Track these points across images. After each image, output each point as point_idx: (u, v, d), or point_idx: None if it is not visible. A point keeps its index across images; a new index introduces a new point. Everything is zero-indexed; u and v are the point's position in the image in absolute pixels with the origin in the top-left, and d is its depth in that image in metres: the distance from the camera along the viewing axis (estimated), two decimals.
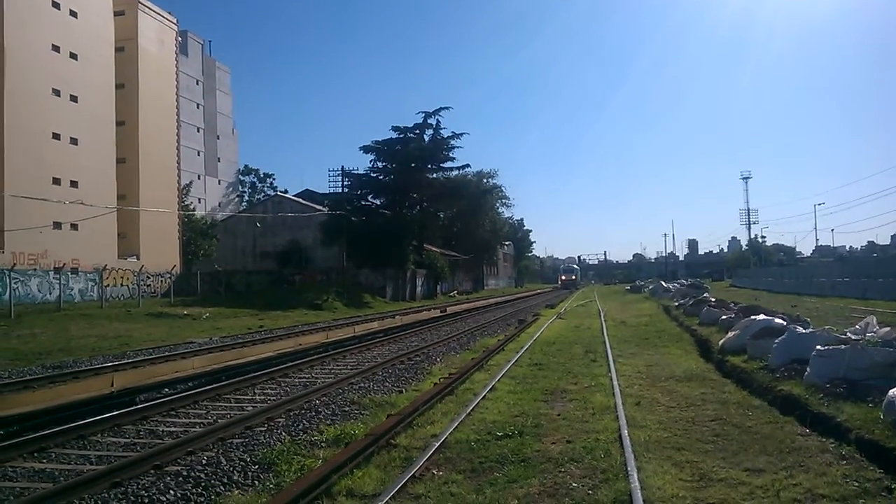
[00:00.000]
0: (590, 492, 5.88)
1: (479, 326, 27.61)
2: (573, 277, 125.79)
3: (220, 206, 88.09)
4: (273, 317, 35.15)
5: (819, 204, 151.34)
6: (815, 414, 8.32)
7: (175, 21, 61.84)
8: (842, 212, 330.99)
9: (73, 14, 47.16)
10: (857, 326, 11.86)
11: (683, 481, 6.09)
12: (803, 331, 12.02)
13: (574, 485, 6.08)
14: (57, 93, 45.41)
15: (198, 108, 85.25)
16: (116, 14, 52.19)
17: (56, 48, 45.51)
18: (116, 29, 51.88)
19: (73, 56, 46.86)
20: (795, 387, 9.74)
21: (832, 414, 8.04)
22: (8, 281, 33.59)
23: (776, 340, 11.91)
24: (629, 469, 6.31)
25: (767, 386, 10.50)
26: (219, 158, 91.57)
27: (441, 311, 34.38)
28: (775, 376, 10.76)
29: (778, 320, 14.27)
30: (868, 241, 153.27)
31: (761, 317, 15.03)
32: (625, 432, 7.74)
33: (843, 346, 9.67)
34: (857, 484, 5.87)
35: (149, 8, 57.46)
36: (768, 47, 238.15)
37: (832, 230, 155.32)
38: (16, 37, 42.14)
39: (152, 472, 6.94)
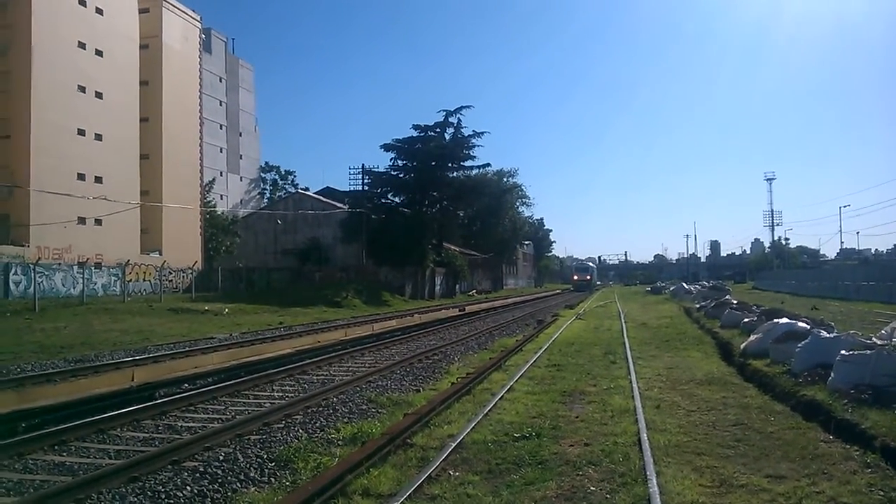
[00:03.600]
0: (608, 496, 5.81)
1: (498, 326, 27.52)
2: (588, 277, 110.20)
3: (241, 202, 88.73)
4: (293, 313, 35.32)
5: (844, 206, 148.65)
6: (838, 420, 8.16)
7: (199, 18, 62.40)
8: (868, 214, 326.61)
9: (99, 11, 47.74)
10: (883, 331, 11.65)
11: (703, 487, 6.00)
12: (827, 335, 11.81)
13: (592, 488, 6.01)
14: (82, 89, 46.03)
15: (220, 105, 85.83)
16: (141, 11, 52.76)
17: (82, 45, 46.11)
18: (141, 26, 52.47)
19: (99, 53, 47.45)
20: (819, 392, 9.57)
21: (857, 420, 7.89)
22: (33, 275, 34.06)
23: (799, 345, 11.71)
24: (648, 473, 6.22)
25: (790, 391, 10.34)
26: (241, 155, 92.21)
27: (460, 310, 34.32)
28: (798, 381, 10.59)
29: (801, 324, 14.05)
30: (894, 244, 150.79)
31: (784, 320, 14.80)
32: (644, 436, 7.64)
33: (869, 352, 9.47)
34: (882, 493, 5.74)
35: (173, 5, 57.99)
36: (793, 46, 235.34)
37: (857, 233, 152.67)
38: (43, 34, 42.77)
39: (170, 467, 6.96)
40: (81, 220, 44.44)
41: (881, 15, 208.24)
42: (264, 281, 56.57)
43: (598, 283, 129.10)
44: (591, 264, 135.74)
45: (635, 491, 5.84)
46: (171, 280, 48.04)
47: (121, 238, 47.02)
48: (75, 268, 39.34)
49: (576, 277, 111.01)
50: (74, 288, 38.43)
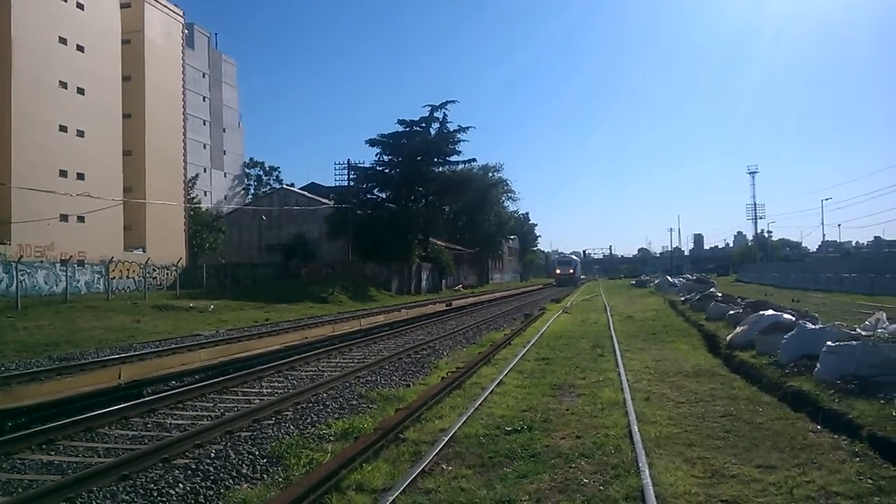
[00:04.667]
0: (601, 487, 5.84)
1: (485, 320, 27.57)
2: (571, 271, 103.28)
3: (225, 198, 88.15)
4: (279, 310, 35.16)
5: (826, 199, 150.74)
6: (826, 410, 8.25)
7: (181, 13, 61.87)
8: (849, 207, 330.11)
9: (80, 6, 47.16)
10: (867, 322, 11.78)
11: (695, 477, 6.04)
12: (813, 326, 11.95)
13: (585, 480, 6.04)
14: (64, 85, 45.48)
15: (204, 100, 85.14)
16: (123, 6, 52.19)
17: (63, 40, 45.54)
18: (123, 21, 51.92)
19: (80, 48, 46.88)
20: (806, 383, 9.68)
21: (844, 410, 7.98)
22: (15, 273, 33.70)
23: (785, 336, 11.84)
24: (640, 465, 6.26)
25: (777, 382, 10.45)
26: (224, 151, 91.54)
27: (446, 305, 34.36)
28: (785, 372, 10.70)
29: (787, 316, 14.18)
30: (874, 237, 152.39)
31: (770, 312, 14.92)
32: (634, 428, 7.69)
33: (854, 343, 9.59)
34: (871, 481, 5.81)
35: (155, 0, 57.41)
36: (777, 42, 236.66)
37: (839, 225, 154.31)
38: (23, 29, 42.19)
39: (160, 464, 6.92)
40: (64, 218, 43.96)
41: (866, 10, 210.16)
42: (249, 277, 56.29)
43: (583, 276, 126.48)
44: (574, 257, 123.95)
45: (628, 482, 5.87)
46: (156, 277, 47.71)
47: (104, 235, 46.55)
48: (58, 265, 38.96)
49: (558, 271, 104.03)
50: (57, 286, 38.03)
